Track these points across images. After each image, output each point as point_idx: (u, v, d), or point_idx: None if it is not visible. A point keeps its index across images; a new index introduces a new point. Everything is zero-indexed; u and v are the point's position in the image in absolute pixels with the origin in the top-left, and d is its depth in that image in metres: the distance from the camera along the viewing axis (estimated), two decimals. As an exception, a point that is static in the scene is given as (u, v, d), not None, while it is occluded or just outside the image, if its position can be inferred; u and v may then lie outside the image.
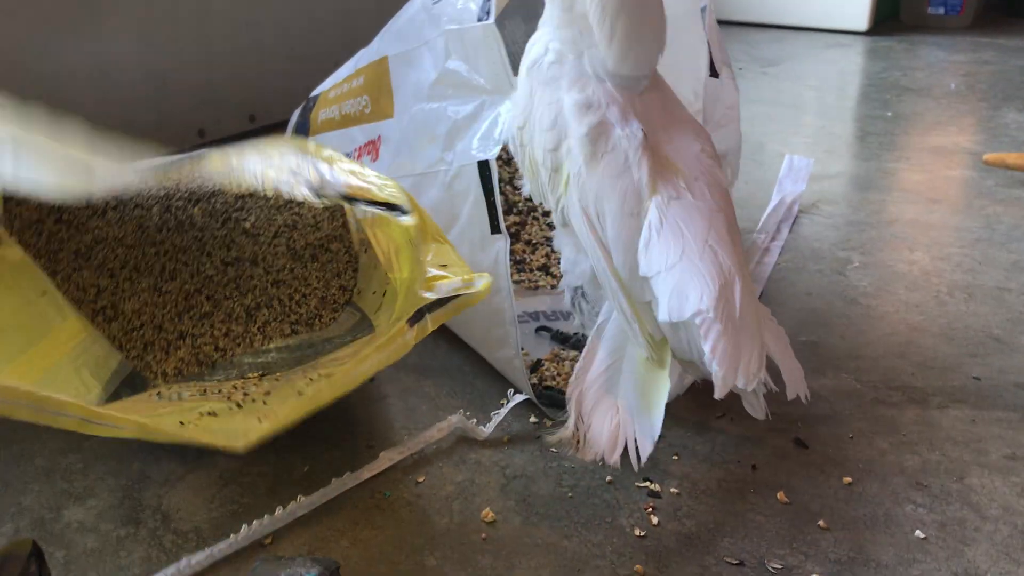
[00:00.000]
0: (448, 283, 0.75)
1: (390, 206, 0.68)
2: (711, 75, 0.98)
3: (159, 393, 0.84)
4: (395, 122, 1.10)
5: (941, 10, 2.94)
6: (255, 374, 0.90)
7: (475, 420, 0.92)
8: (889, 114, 2.03)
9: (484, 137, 0.95)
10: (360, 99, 1.19)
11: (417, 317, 0.77)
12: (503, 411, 0.92)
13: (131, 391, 0.88)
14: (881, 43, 2.75)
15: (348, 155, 1.23)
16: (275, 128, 1.89)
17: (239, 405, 0.76)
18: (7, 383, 0.63)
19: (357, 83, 1.21)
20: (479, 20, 0.92)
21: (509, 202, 1.29)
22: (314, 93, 1.44)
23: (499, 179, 0.91)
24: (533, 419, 0.94)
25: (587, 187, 0.76)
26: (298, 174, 0.66)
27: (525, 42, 0.88)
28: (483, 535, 0.78)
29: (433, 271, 0.76)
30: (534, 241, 1.27)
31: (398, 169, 1.06)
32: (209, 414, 0.72)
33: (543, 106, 0.80)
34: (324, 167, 0.70)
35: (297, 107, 1.49)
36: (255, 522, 0.77)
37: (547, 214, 1.32)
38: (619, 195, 0.75)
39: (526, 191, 0.88)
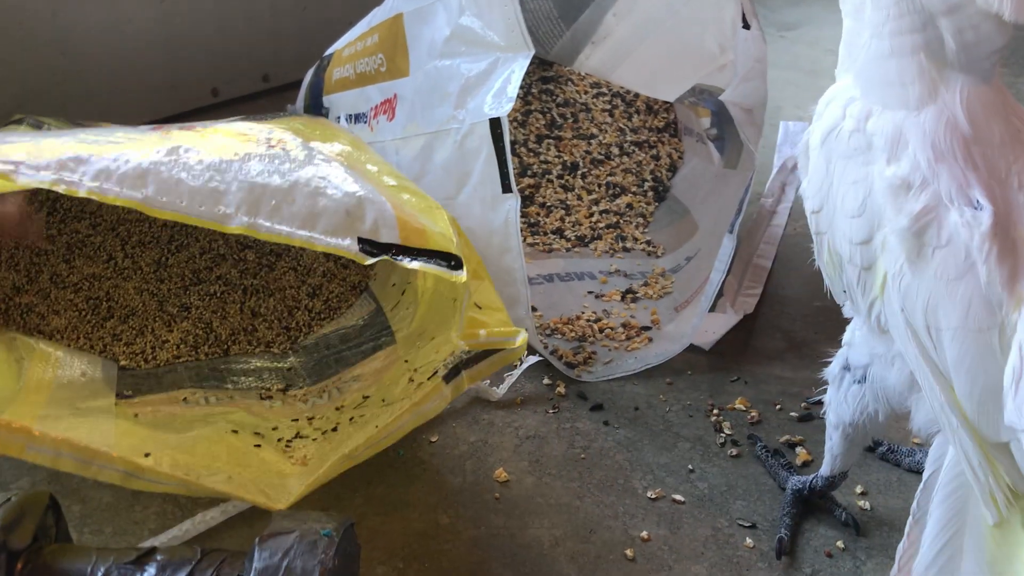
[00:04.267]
0: (484, 338, 0.72)
1: (443, 255, 0.64)
2: (743, 26, 0.96)
3: (185, 399, 0.84)
4: (410, 80, 1.09)
5: (964, -26, 2.89)
6: (278, 385, 0.89)
7: (488, 381, 0.92)
8: (909, 79, 2.00)
9: (497, 94, 0.93)
10: (375, 57, 1.18)
11: (453, 374, 0.75)
12: (516, 372, 0.92)
13: (144, 385, 0.88)
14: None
15: (364, 114, 1.22)
16: (289, 88, 1.88)
17: (276, 439, 0.76)
18: (57, 434, 0.62)
19: (372, 41, 1.19)
20: (495, -25, 0.91)
21: (523, 164, 1.28)
22: (328, 52, 1.42)
23: (513, 140, 0.90)
24: (546, 381, 0.94)
25: (913, 292, 0.59)
26: (355, 217, 0.62)
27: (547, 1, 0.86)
28: (496, 495, 0.79)
29: (471, 314, 0.72)
30: (548, 204, 1.26)
31: (412, 129, 1.05)
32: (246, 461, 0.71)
33: (846, 186, 0.62)
34: (376, 200, 0.66)
35: (311, 67, 1.48)
36: (268, 478, 0.77)
37: (561, 176, 1.31)
38: (961, 305, 0.57)
39: (826, 284, 0.70)
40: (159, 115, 1.64)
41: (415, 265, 0.64)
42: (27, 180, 0.59)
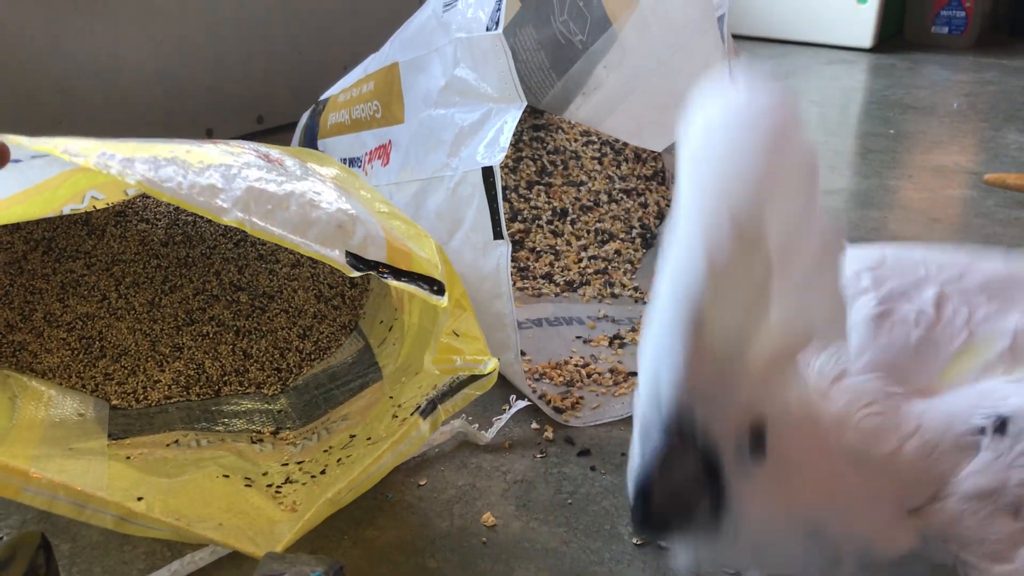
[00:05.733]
0: (458, 364, 0.74)
1: (426, 279, 0.67)
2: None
3: (177, 441, 0.84)
4: (405, 127, 1.11)
5: (945, 29, 2.96)
6: (268, 428, 0.90)
7: (477, 425, 0.93)
8: (891, 132, 2.04)
9: (490, 144, 0.96)
10: (371, 104, 1.20)
11: (429, 409, 0.77)
12: (505, 417, 0.93)
13: (135, 426, 0.88)
14: (884, 61, 2.76)
15: (359, 159, 1.24)
16: (282, 129, 1.90)
17: (266, 485, 0.77)
18: (54, 478, 0.63)
19: (368, 88, 1.22)
20: (488, 29, 0.93)
21: (514, 209, 1.31)
22: (323, 96, 1.45)
23: (504, 186, 0.92)
24: (535, 425, 0.95)
25: None
26: (345, 231, 0.64)
27: (536, 51, 0.88)
28: (483, 539, 0.79)
29: (446, 339, 0.74)
30: (538, 249, 1.28)
31: (406, 175, 1.07)
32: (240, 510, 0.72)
33: None
34: (368, 221, 0.68)
35: (305, 109, 1.50)
36: (258, 520, 0.78)
37: (551, 222, 1.33)
38: None
39: None
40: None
41: (398, 284, 0.66)
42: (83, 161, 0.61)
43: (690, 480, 0.47)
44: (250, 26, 1.81)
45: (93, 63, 1.56)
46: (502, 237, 0.93)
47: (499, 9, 0.91)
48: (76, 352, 0.98)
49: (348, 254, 0.64)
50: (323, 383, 0.97)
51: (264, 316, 1.05)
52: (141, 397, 0.95)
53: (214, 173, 0.63)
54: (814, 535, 0.52)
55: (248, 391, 0.97)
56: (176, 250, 1.10)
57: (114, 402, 0.94)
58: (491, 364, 0.74)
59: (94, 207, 1.02)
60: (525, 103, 0.94)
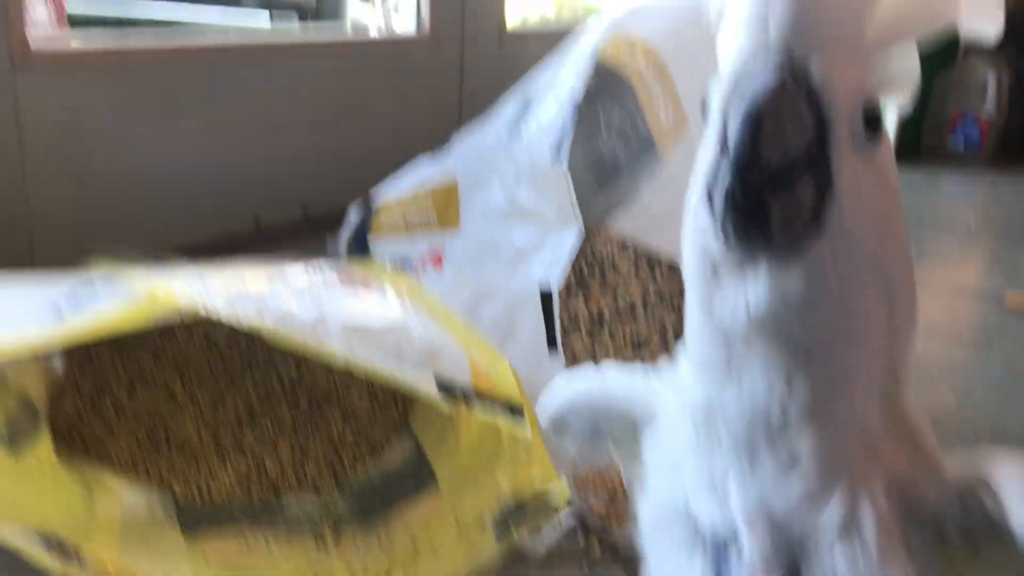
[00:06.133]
0: (532, 485, 0.78)
1: (507, 405, 0.72)
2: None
3: (246, 540, 0.89)
4: (460, 238, 1.18)
5: (961, 145, 3.06)
6: (329, 529, 0.94)
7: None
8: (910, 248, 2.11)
9: (548, 264, 1.02)
10: (427, 212, 1.27)
11: (503, 528, 0.81)
12: (556, 532, 0.97)
13: (206, 522, 0.93)
14: (902, 175, 2.84)
15: (411, 260, 1.30)
16: (325, 220, 1.97)
17: None
18: None
19: (425, 197, 1.29)
20: (552, 162, 1.00)
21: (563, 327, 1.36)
22: (375, 198, 1.52)
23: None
24: (580, 536, 0.98)
25: None
26: (434, 359, 0.69)
27: (581, 168, 0.93)
28: (536, 649, 0.82)
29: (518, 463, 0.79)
30: (577, 354, 1.33)
31: (461, 284, 1.13)
32: None
33: None
34: (453, 348, 0.74)
35: (346, 204, 1.57)
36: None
37: (589, 328, 1.38)
38: None
39: None
40: (206, 239, 1.73)
41: (483, 410, 0.70)
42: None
43: (800, 133, 0.40)
44: (301, 127, 1.90)
45: (158, 162, 1.65)
46: (556, 347, 0.98)
47: (563, 144, 0.98)
48: (142, 443, 1.03)
49: (438, 383, 0.69)
50: (378, 486, 1.01)
51: (320, 415, 1.10)
52: (205, 493, 0.99)
53: (313, 306, 0.69)
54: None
55: (306, 492, 1.01)
56: (240, 349, 1.15)
57: (179, 496, 0.98)
58: (563, 485, 0.78)
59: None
60: (583, 229, 1.00)
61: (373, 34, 3.84)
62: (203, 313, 0.66)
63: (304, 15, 3.94)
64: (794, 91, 0.40)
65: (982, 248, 2.14)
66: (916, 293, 0.48)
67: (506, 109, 1.14)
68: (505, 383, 0.75)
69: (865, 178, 0.43)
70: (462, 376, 0.71)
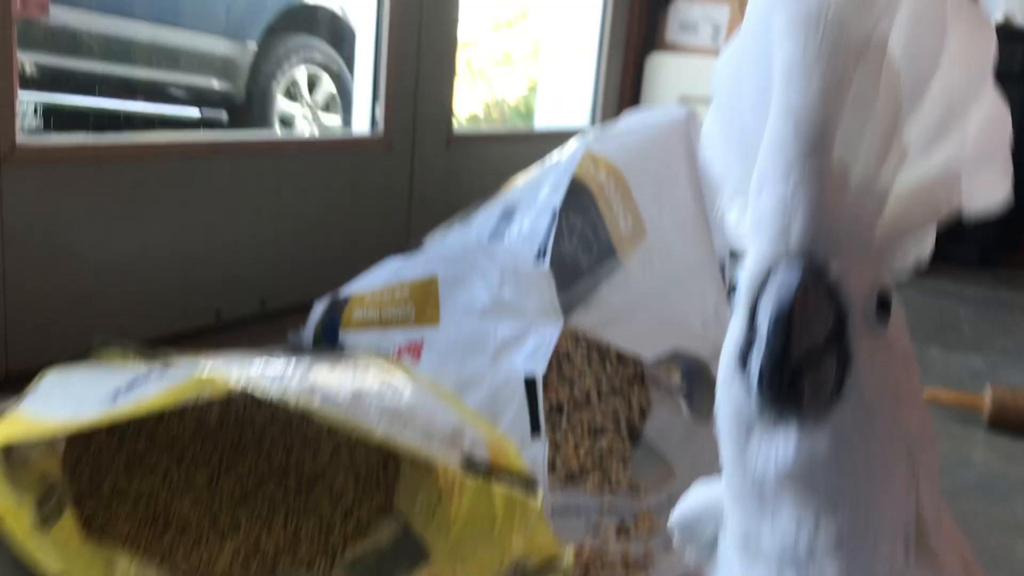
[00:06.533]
0: (537, 552, 0.87)
1: (521, 480, 0.81)
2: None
3: None
4: (440, 331, 1.27)
5: (866, 249, 3.31)
6: None
7: (511, 604, 1.04)
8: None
9: (530, 356, 1.12)
10: (405, 307, 1.36)
11: None
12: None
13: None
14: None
15: (386, 351, 1.39)
16: (283, 312, 2.04)
17: None
18: None
19: (401, 293, 1.38)
20: (536, 260, 1.12)
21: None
22: (344, 293, 1.61)
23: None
24: (561, 607, 1.07)
25: None
26: (457, 439, 0.79)
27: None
28: None
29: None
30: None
31: (444, 372, 1.22)
32: None
33: None
34: (470, 428, 0.83)
35: (303, 297, 1.64)
36: None
37: (549, 416, 1.48)
38: None
39: None
40: (169, 332, 1.78)
41: (501, 483, 0.79)
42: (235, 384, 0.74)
43: (822, 324, 0.46)
44: (262, 223, 1.99)
45: (126, 250, 1.70)
46: (539, 433, 1.08)
47: (546, 245, 1.10)
48: (143, 524, 1.07)
49: (465, 461, 0.78)
50: (370, 562, 1.08)
51: (310, 497, 1.16)
52: (206, 570, 1.04)
53: (354, 396, 0.77)
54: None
55: (300, 569, 1.07)
56: (229, 432, 1.22)
57: (181, 572, 1.03)
58: (569, 555, 0.87)
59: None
60: (563, 322, 1.11)
61: (307, 133, 3.97)
62: (258, 394, 0.74)
63: (233, 110, 4.04)
64: (816, 291, 0.47)
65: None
66: (935, 442, 0.54)
67: (485, 217, 1.26)
68: (517, 460, 0.85)
69: (878, 351, 0.49)
70: (482, 453, 0.80)
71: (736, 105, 0.52)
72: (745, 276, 0.50)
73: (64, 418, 0.80)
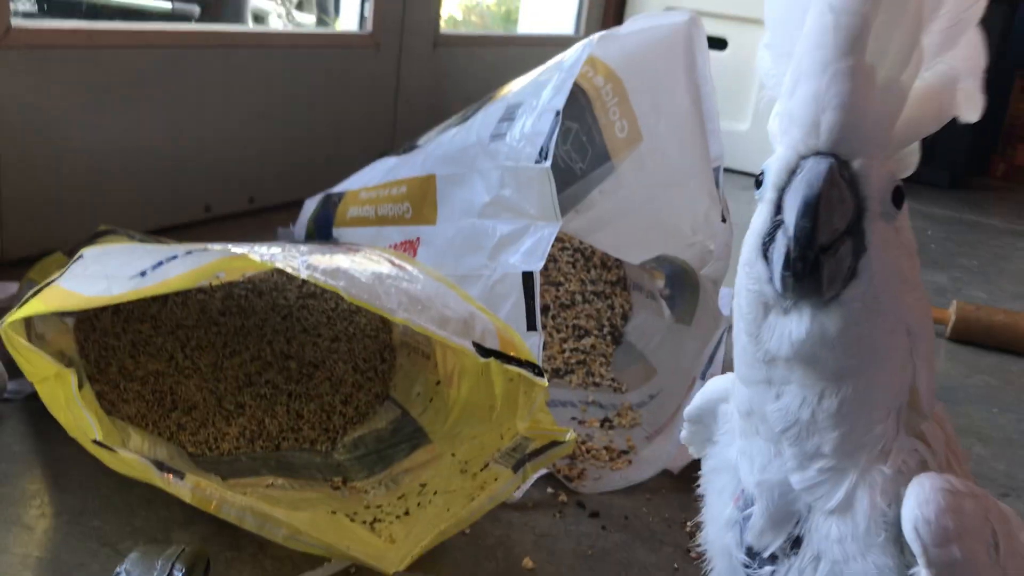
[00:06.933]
0: (544, 432, 0.92)
1: (528, 364, 0.86)
2: (722, 220, 1.24)
3: (272, 484, 0.99)
4: (438, 229, 1.31)
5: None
6: (338, 478, 1.05)
7: (503, 486, 1.10)
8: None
9: (528, 253, 1.16)
10: (401, 205, 1.39)
11: (519, 465, 0.93)
12: (529, 481, 1.11)
13: (224, 470, 1.03)
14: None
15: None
16: (269, 210, 2.06)
17: (362, 521, 0.94)
18: (245, 500, 0.79)
19: (398, 191, 1.41)
20: (536, 162, 1.15)
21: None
22: (338, 189, 1.63)
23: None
24: (550, 490, 1.13)
25: None
26: (469, 326, 0.83)
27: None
28: (527, 578, 0.97)
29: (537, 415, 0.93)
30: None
31: (441, 269, 1.26)
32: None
33: None
34: (481, 316, 0.87)
35: (290, 194, 1.66)
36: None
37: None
38: None
39: None
40: (159, 226, 1.79)
41: (511, 367, 0.84)
42: (265, 261, 0.78)
43: (844, 212, 0.51)
44: (252, 118, 1.98)
45: (119, 142, 1.70)
46: (536, 329, 1.13)
47: (548, 146, 1.13)
48: (151, 404, 1.12)
49: (475, 344, 0.82)
50: (371, 444, 1.14)
51: (311, 382, 1.21)
52: (213, 447, 1.09)
53: (375, 279, 0.81)
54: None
55: (304, 447, 1.13)
56: (232, 319, 1.25)
57: (190, 450, 1.08)
58: (571, 435, 0.92)
59: (214, 283, 1.20)
60: (560, 221, 1.15)
61: (280, 25, 3.89)
62: (288, 271, 0.78)
63: (205, 4, 3.95)
64: (841, 184, 0.52)
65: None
66: (931, 325, 0.60)
67: (486, 117, 1.28)
68: (523, 347, 0.89)
69: (890, 240, 0.55)
70: (492, 341, 0.84)
71: (789, 18, 0.55)
72: (773, 167, 0.54)
73: (96, 293, 0.83)
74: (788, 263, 0.52)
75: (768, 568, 0.62)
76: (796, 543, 0.61)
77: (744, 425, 0.63)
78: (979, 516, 0.56)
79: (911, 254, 0.58)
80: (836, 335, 0.54)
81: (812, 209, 0.51)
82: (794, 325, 0.55)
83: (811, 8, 0.52)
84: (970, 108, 0.56)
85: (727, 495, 0.67)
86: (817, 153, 0.52)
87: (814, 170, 0.51)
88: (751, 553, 0.64)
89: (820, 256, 0.52)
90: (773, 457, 0.60)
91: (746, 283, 0.57)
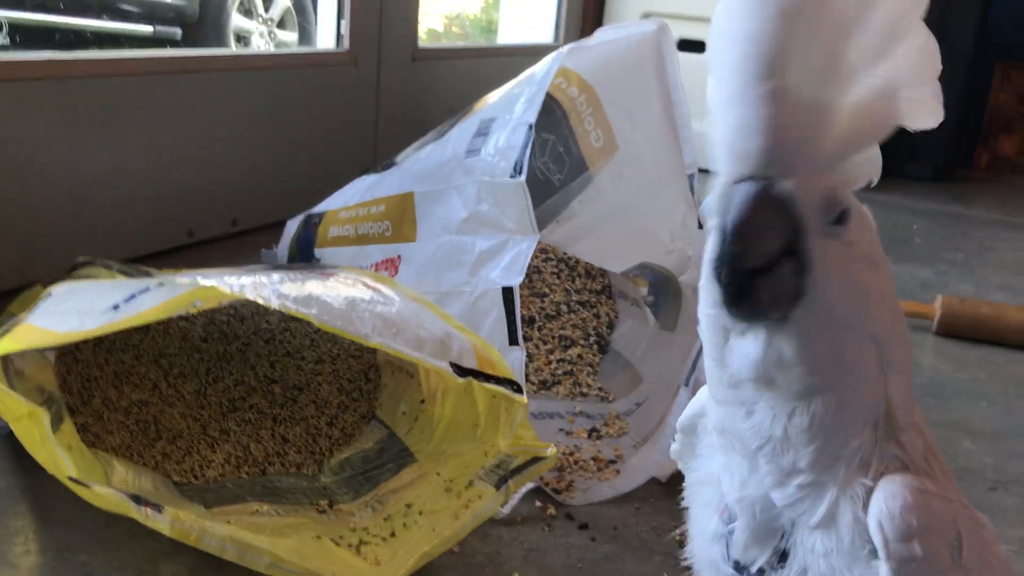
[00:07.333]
0: (525, 448, 0.92)
1: (507, 381, 0.86)
2: (699, 227, 1.24)
3: (257, 510, 0.99)
4: (418, 246, 1.31)
5: (824, 165, 3.38)
6: (323, 501, 1.05)
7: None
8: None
9: (507, 267, 1.16)
10: (381, 223, 1.39)
11: (502, 482, 0.93)
12: (517, 496, 1.11)
13: (209, 499, 1.02)
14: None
15: (363, 268, 1.42)
16: (253, 232, 2.06)
17: (348, 544, 0.93)
18: (226, 530, 0.78)
19: (377, 209, 1.41)
20: (512, 176, 1.15)
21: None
22: (318, 210, 1.63)
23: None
24: (538, 503, 1.13)
25: None
26: (446, 346, 0.83)
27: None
28: (516, 595, 0.97)
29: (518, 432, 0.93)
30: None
31: (423, 286, 1.26)
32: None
33: None
34: (458, 335, 0.88)
35: (273, 215, 1.66)
36: (331, 578, 0.93)
37: (523, 328, 1.53)
38: None
39: None
40: (142, 252, 1.79)
41: (489, 386, 0.84)
42: (235, 292, 0.78)
43: (776, 234, 0.51)
44: (233, 141, 1.98)
45: (101, 168, 1.70)
46: (517, 344, 1.13)
47: (523, 160, 1.13)
48: (135, 434, 1.11)
49: (452, 365, 0.82)
50: (357, 465, 1.13)
51: (296, 406, 1.21)
52: (199, 475, 1.08)
53: (348, 304, 0.81)
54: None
55: (290, 471, 1.12)
56: (214, 345, 1.25)
57: (175, 479, 1.07)
58: (552, 449, 0.92)
59: (192, 311, 1.19)
60: (538, 235, 1.15)
61: (262, 43, 3.88)
62: (258, 302, 0.78)
63: (187, 27, 3.96)
64: (767, 205, 0.52)
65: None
66: (906, 337, 0.59)
67: (461, 133, 1.28)
68: (502, 364, 0.89)
69: (839, 254, 0.54)
70: (470, 360, 0.84)
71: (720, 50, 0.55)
72: (714, 194, 0.55)
73: (69, 329, 0.83)
74: (725, 288, 0.53)
75: None
76: (783, 556, 0.61)
77: (721, 441, 0.63)
78: (945, 517, 0.56)
79: (874, 266, 0.57)
80: (793, 355, 0.54)
81: (737, 234, 0.52)
82: (751, 347, 0.55)
83: (730, 38, 0.52)
84: (920, 116, 0.55)
85: (712, 508, 0.66)
86: (748, 178, 0.52)
87: (739, 195, 0.52)
88: (738, 567, 0.64)
89: (756, 279, 0.52)
90: (751, 473, 0.60)
91: (704, 307, 0.57)
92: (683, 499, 0.72)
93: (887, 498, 0.55)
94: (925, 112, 0.55)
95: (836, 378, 0.56)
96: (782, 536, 0.60)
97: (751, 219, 0.51)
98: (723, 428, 0.61)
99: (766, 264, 0.52)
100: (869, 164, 0.56)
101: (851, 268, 0.55)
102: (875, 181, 0.58)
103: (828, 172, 0.54)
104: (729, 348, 0.57)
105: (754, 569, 0.62)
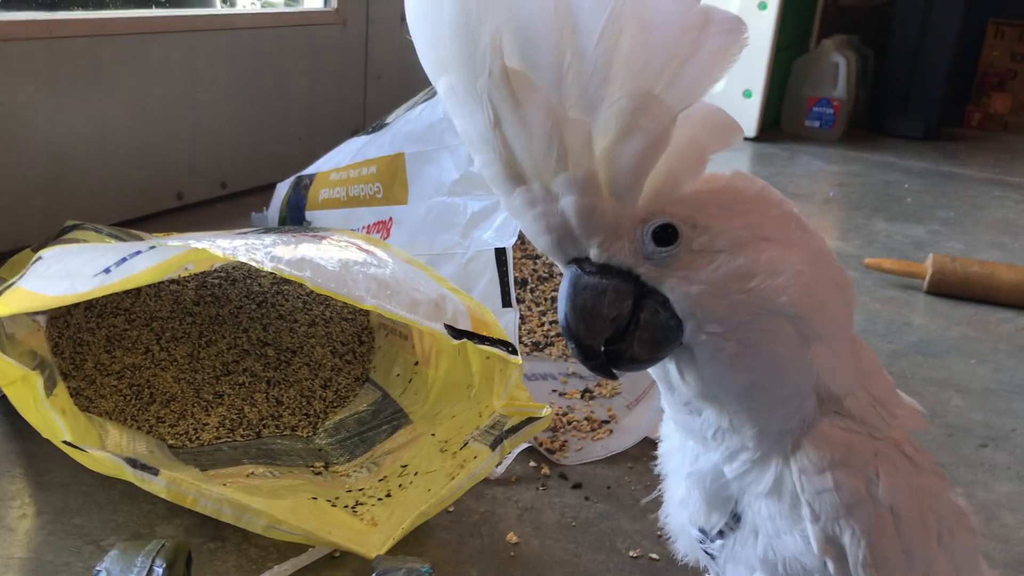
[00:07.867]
0: (520, 408, 0.92)
1: (501, 343, 0.86)
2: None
3: (252, 472, 0.99)
4: (409, 208, 1.30)
5: (816, 123, 3.36)
6: (319, 463, 1.05)
7: (486, 462, 1.11)
8: (781, 216, 2.35)
9: (499, 229, 1.16)
10: (372, 185, 1.38)
11: (497, 442, 0.94)
12: (511, 456, 1.12)
13: (204, 461, 1.03)
14: (767, 149, 3.13)
15: (354, 230, 1.41)
16: (242, 195, 2.05)
17: (344, 505, 0.93)
18: (222, 492, 0.78)
19: (368, 171, 1.40)
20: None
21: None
22: (308, 172, 1.62)
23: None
24: (532, 463, 1.14)
25: None
26: (441, 308, 0.83)
27: None
28: (511, 553, 0.97)
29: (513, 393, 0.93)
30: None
31: (415, 248, 1.25)
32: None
33: None
34: (452, 297, 0.87)
35: (263, 179, 1.64)
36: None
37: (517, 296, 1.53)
38: None
39: None
40: (131, 216, 1.78)
41: (484, 347, 0.84)
42: (227, 255, 0.77)
43: (613, 298, 0.52)
44: (221, 104, 1.96)
45: (86, 130, 1.68)
46: (511, 305, 1.13)
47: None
48: (128, 398, 1.11)
49: (446, 326, 0.82)
50: (352, 427, 1.14)
51: (289, 368, 1.21)
52: (194, 438, 1.09)
53: (342, 266, 0.81)
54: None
55: (284, 433, 1.13)
56: (207, 309, 1.25)
57: (169, 442, 1.08)
58: (546, 410, 0.93)
59: (183, 275, 1.18)
60: (531, 197, 1.14)
61: (250, 5, 3.84)
62: (251, 265, 0.77)
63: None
64: (585, 289, 0.52)
65: (840, 217, 2.41)
66: (838, 301, 0.58)
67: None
68: (496, 326, 0.89)
69: (688, 274, 0.53)
70: (464, 322, 0.84)
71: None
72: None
73: (60, 292, 0.83)
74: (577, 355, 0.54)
75: (719, 542, 0.65)
76: (738, 518, 0.64)
77: (676, 428, 0.65)
78: (864, 453, 0.57)
79: (755, 241, 0.54)
80: (709, 373, 0.56)
81: (567, 327, 0.53)
82: (684, 373, 0.57)
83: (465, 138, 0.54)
84: (722, 138, 0.52)
85: (680, 476, 0.68)
86: (567, 263, 0.53)
87: (562, 284, 0.53)
88: (702, 529, 0.66)
89: (616, 339, 0.53)
90: (703, 452, 0.63)
91: None
92: (657, 465, 0.74)
93: (810, 439, 0.58)
94: (722, 133, 0.52)
95: (761, 370, 0.56)
96: (737, 502, 0.63)
97: (575, 306, 0.52)
98: (678, 424, 0.64)
99: (612, 329, 0.53)
100: (716, 131, 0.52)
101: (716, 269, 0.53)
102: (740, 138, 0.54)
103: (632, 202, 0.51)
104: (665, 372, 0.59)
105: (714, 531, 0.65)
